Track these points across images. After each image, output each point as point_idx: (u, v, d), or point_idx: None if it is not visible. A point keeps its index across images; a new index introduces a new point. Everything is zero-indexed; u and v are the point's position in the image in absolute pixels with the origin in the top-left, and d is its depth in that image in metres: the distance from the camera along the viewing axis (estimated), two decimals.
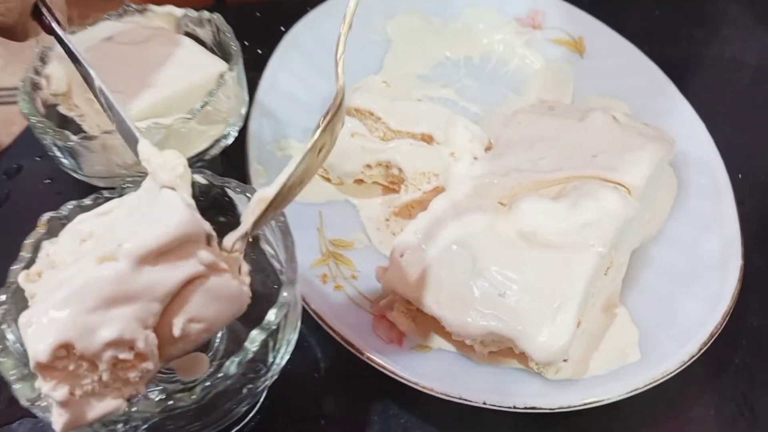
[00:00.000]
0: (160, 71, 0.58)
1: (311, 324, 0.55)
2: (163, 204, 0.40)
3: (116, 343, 0.36)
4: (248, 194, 0.50)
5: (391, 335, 0.55)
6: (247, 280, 0.44)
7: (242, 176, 0.66)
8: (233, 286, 0.40)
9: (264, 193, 0.43)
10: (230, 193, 0.51)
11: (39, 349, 0.34)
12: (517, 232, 0.56)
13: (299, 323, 0.49)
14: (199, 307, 0.39)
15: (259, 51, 0.83)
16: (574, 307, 0.51)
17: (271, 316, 0.43)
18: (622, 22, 0.86)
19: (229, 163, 0.71)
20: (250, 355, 0.41)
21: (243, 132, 0.68)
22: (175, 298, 0.38)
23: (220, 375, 0.40)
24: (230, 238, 0.43)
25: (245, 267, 0.44)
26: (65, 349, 0.35)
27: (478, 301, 0.52)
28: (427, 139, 0.67)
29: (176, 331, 0.38)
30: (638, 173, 0.58)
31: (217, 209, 0.52)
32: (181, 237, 0.38)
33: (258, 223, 0.43)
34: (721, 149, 0.68)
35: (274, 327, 0.43)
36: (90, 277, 0.36)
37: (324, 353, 0.59)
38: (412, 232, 0.57)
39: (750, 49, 0.89)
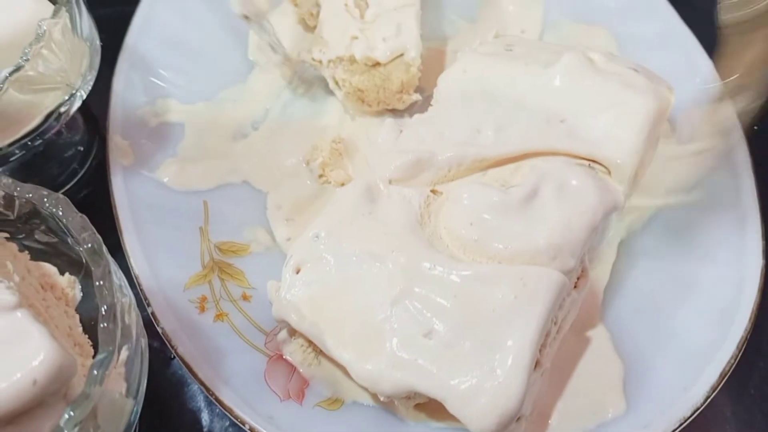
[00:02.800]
0: None
1: None
2: (15, 336, 0.31)
3: None
4: (61, 209, 0.36)
5: (289, 387, 0.41)
6: None
7: None
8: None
9: None
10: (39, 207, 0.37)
11: None
12: (453, 237, 0.40)
13: (135, 405, 0.35)
14: None
15: None
16: (526, 352, 0.36)
17: (63, 420, 0.29)
18: None
19: (97, 130, 0.57)
20: None
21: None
22: None
23: None
24: None
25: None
26: None
27: (396, 343, 0.38)
28: None
29: None
30: (624, 147, 0.42)
31: (33, 224, 0.39)
32: (49, 390, 0.31)
33: None
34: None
35: None
36: None
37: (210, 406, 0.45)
38: (312, 236, 0.41)
39: None
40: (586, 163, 0.42)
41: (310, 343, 0.42)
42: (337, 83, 0.54)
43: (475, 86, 0.46)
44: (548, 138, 0.43)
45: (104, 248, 0.34)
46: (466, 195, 0.41)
